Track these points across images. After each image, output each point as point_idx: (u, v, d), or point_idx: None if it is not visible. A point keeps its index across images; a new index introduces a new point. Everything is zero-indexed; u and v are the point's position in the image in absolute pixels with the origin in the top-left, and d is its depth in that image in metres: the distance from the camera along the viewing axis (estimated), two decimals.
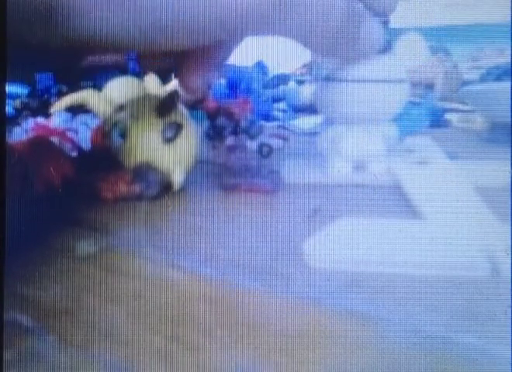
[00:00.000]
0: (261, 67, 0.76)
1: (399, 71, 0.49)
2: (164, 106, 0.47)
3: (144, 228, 0.41)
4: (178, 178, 0.47)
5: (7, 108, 0.62)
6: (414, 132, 0.62)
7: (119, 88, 0.54)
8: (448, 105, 0.75)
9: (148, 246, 0.38)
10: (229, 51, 0.44)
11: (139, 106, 0.48)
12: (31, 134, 0.52)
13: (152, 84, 0.58)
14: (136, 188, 0.46)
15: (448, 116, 0.73)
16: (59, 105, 0.52)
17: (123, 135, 0.47)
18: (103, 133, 0.49)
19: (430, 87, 0.77)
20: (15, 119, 0.59)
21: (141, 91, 0.54)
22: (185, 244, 0.38)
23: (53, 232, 0.39)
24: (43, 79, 0.67)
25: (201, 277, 0.34)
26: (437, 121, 0.72)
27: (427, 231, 0.38)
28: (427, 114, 0.67)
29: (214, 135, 0.60)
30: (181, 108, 0.49)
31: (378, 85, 0.47)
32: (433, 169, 0.50)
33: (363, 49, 0.43)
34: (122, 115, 0.48)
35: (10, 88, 0.64)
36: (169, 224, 0.41)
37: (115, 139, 0.47)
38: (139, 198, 0.45)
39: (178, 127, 0.47)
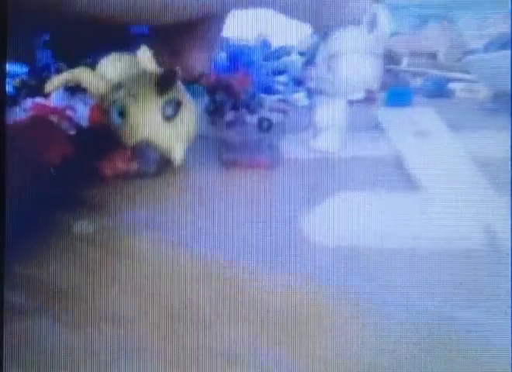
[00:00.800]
0: (263, 39, 0.75)
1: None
2: (163, 83, 0.47)
3: (142, 206, 0.41)
4: (178, 155, 0.47)
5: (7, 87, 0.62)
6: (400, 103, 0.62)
7: (113, 65, 0.53)
8: (450, 75, 0.74)
9: (146, 223, 0.38)
10: (221, 25, 0.44)
11: (137, 84, 0.48)
12: (30, 113, 0.51)
13: (145, 58, 0.57)
14: (135, 165, 0.46)
15: (450, 86, 0.72)
16: (53, 84, 0.52)
17: (122, 113, 0.47)
18: (102, 112, 0.49)
19: (433, 56, 0.76)
20: (14, 98, 0.59)
21: (135, 66, 0.53)
22: (184, 222, 0.38)
23: (51, 211, 0.40)
24: (43, 57, 0.67)
25: (200, 254, 0.35)
26: (440, 90, 0.71)
27: (427, 204, 0.38)
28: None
29: (214, 110, 0.59)
30: (180, 84, 0.49)
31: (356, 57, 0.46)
32: (433, 140, 0.49)
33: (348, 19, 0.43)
34: (120, 93, 0.47)
35: (9, 67, 0.64)
36: (168, 202, 0.41)
37: (115, 117, 0.47)
38: (137, 175, 0.45)
39: (177, 104, 0.47)
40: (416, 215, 0.37)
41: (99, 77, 0.50)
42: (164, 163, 0.47)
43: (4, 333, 0.30)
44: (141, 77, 0.49)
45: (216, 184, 0.44)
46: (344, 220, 0.37)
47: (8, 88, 0.63)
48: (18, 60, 0.65)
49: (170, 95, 0.47)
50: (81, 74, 0.50)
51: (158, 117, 0.46)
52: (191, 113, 0.48)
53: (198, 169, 0.47)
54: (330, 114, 0.49)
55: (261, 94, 0.66)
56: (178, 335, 0.29)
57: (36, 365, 0.29)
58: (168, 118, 0.46)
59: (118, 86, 0.48)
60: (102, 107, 0.49)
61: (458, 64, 0.74)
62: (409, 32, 0.78)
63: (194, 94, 0.51)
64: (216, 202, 0.41)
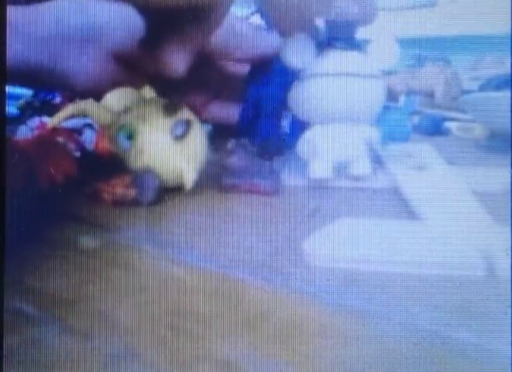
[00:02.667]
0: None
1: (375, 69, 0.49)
2: (172, 104, 0.47)
3: (146, 225, 0.41)
4: (190, 176, 0.47)
5: (10, 108, 0.63)
6: (398, 138, 0.63)
7: (119, 98, 0.54)
8: (447, 114, 0.76)
9: (149, 242, 0.38)
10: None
11: (144, 106, 0.48)
12: (36, 132, 0.52)
13: (149, 93, 0.58)
14: (133, 192, 0.45)
15: (447, 125, 0.74)
16: (58, 118, 0.52)
17: (131, 137, 0.47)
18: (108, 139, 0.49)
19: (430, 95, 0.78)
20: (19, 119, 0.60)
21: (140, 99, 0.54)
22: (185, 241, 0.39)
23: (55, 226, 0.40)
24: None
25: (201, 271, 0.35)
26: (437, 129, 0.73)
27: (425, 232, 0.39)
28: (406, 119, 0.67)
29: (216, 137, 0.60)
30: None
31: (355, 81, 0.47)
32: (432, 174, 0.50)
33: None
34: (128, 117, 0.48)
35: (14, 89, 0.65)
36: (171, 222, 0.42)
37: (123, 142, 0.47)
38: (134, 202, 0.45)
39: (187, 123, 0.47)
40: (414, 242, 0.38)
41: (105, 110, 0.50)
42: (164, 192, 0.47)
43: (5, 341, 0.29)
44: (149, 100, 0.50)
45: (216, 206, 0.45)
46: (343, 245, 0.37)
47: (13, 109, 0.64)
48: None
49: (179, 116, 0.47)
50: (87, 108, 0.51)
51: (168, 137, 0.46)
52: (200, 133, 0.49)
53: (200, 192, 0.47)
54: (327, 143, 0.50)
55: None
56: (177, 345, 0.29)
57: (36, 368, 0.29)
58: (178, 138, 0.47)
59: (125, 110, 0.49)
60: (109, 134, 0.49)
61: (454, 104, 0.76)
62: (407, 71, 0.80)
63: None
64: (216, 224, 0.41)
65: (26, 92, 0.66)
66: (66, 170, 0.47)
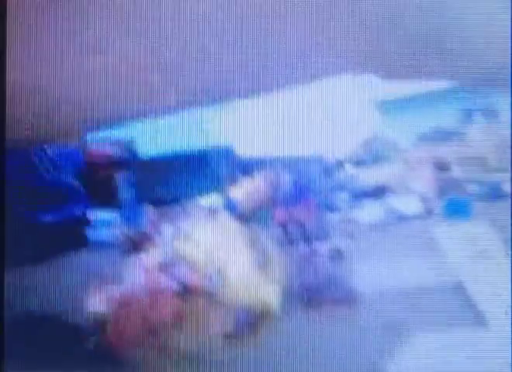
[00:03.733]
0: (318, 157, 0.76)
1: None
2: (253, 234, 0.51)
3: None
4: (274, 301, 0.49)
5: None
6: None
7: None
8: (504, 176, 0.72)
9: None
10: None
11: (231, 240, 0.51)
12: None
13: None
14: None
15: (505, 187, 0.71)
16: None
17: (220, 271, 0.50)
18: (201, 274, 0.52)
19: (482, 160, 0.75)
20: None
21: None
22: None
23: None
24: None
25: None
26: (497, 194, 0.70)
27: None
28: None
29: (285, 242, 0.63)
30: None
31: None
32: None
33: None
34: (216, 253, 0.51)
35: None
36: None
37: (215, 278, 0.50)
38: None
39: (264, 253, 0.51)
40: None
41: (197, 247, 0.53)
42: (263, 314, 0.49)
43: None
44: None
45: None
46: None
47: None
48: None
49: (257, 245, 0.51)
50: (180, 247, 0.54)
51: (252, 267, 0.50)
52: (279, 259, 0.52)
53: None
54: None
55: (326, 212, 0.67)
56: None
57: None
58: (261, 267, 0.50)
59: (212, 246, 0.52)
60: (202, 272, 0.52)
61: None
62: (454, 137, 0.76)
63: (260, 220, 0.55)
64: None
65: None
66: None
